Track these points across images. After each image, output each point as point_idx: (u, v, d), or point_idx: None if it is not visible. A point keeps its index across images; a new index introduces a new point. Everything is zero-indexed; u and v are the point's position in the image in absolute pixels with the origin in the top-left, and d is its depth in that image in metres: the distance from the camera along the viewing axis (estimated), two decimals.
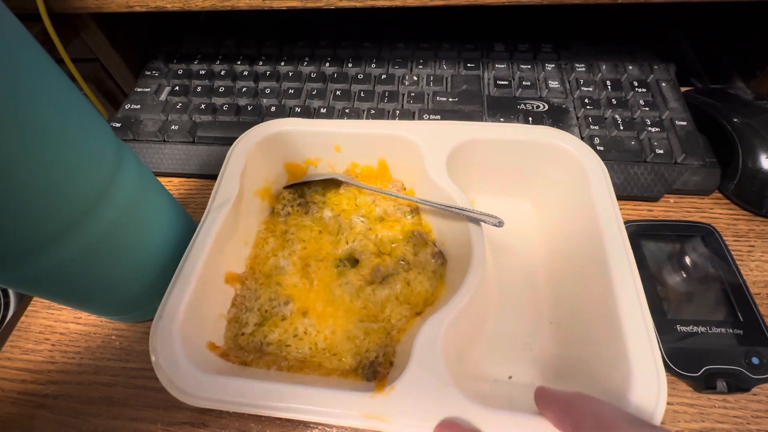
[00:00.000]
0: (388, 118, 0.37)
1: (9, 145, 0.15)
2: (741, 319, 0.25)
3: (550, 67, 0.39)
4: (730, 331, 0.25)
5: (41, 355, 0.28)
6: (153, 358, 0.21)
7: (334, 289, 0.27)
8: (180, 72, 0.42)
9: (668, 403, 0.24)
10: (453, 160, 0.28)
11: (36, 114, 0.16)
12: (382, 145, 0.30)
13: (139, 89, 0.41)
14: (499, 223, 0.24)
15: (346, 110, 0.37)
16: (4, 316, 0.35)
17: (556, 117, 0.35)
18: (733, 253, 0.28)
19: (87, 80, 0.43)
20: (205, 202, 0.27)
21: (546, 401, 0.19)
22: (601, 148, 0.33)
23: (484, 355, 0.26)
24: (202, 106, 0.38)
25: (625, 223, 0.29)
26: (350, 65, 0.41)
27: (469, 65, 0.40)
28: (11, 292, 0.35)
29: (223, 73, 0.41)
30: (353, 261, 0.29)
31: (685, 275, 0.28)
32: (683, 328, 0.25)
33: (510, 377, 0.25)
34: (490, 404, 0.19)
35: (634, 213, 0.32)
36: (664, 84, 0.36)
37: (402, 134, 0.29)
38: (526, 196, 0.32)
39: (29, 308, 0.30)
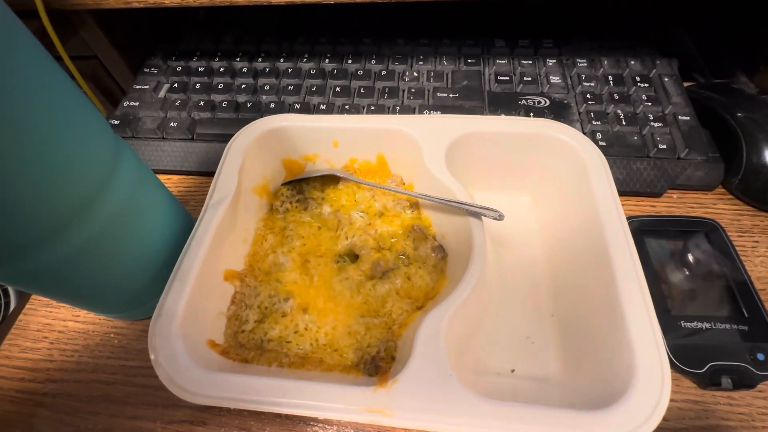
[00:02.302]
0: (388, 114, 0.37)
1: (6, 141, 0.15)
2: (746, 315, 0.25)
3: (551, 62, 0.39)
4: (735, 327, 0.25)
5: (40, 353, 0.28)
6: (152, 357, 0.21)
7: (335, 285, 0.27)
8: (179, 69, 0.41)
9: (672, 400, 0.24)
10: (452, 153, 0.28)
11: (34, 110, 0.16)
12: (381, 140, 0.30)
13: (137, 86, 0.41)
14: (500, 217, 0.24)
15: (346, 106, 0.37)
16: (5, 315, 0.35)
17: (557, 112, 0.35)
18: (737, 248, 0.28)
19: (85, 78, 0.43)
20: (204, 199, 0.27)
21: None
22: (604, 144, 0.32)
23: (485, 348, 0.26)
24: (201, 103, 0.38)
25: (628, 219, 0.29)
26: (350, 61, 0.40)
27: (469, 61, 0.40)
28: (11, 291, 0.35)
29: (222, 69, 0.41)
30: (353, 256, 0.29)
31: (688, 271, 0.27)
32: (687, 325, 0.25)
33: (513, 370, 0.25)
34: (493, 397, 0.19)
35: (636, 209, 0.32)
36: (666, 79, 0.36)
37: (400, 128, 0.29)
38: (526, 190, 0.32)
39: (27, 306, 0.30)
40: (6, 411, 0.26)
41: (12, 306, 0.35)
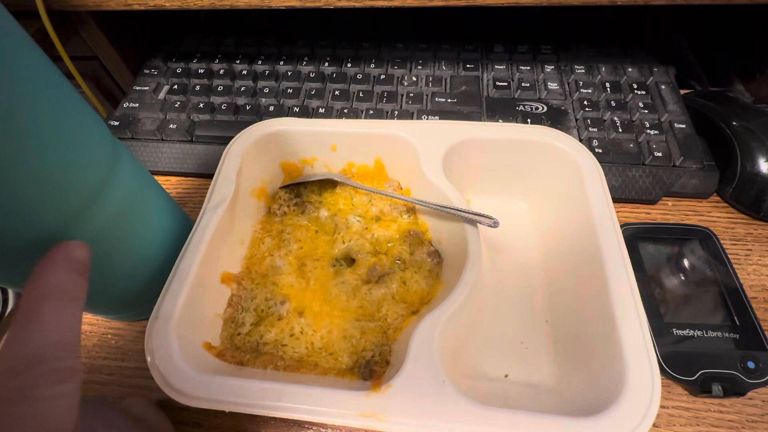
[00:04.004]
0: (386, 119, 0.37)
1: (1, 143, 0.15)
2: (737, 323, 0.25)
3: (549, 68, 0.39)
4: (727, 335, 0.25)
5: None
6: (148, 359, 0.21)
7: (331, 289, 0.27)
8: (179, 71, 0.42)
9: (663, 407, 0.24)
10: (449, 159, 0.28)
11: (29, 112, 0.16)
12: (378, 145, 0.30)
13: (137, 88, 0.41)
14: (495, 224, 0.24)
15: (345, 110, 0.37)
16: (3, 313, 0.35)
17: (554, 119, 0.35)
18: (730, 256, 0.28)
19: (86, 78, 0.43)
20: (203, 201, 0.27)
21: None
22: (600, 151, 0.33)
23: (480, 353, 0.26)
24: (201, 105, 0.38)
25: (623, 225, 0.29)
26: (349, 65, 0.41)
27: (468, 66, 0.40)
28: (11, 290, 0.35)
29: (221, 72, 0.41)
30: (349, 260, 0.29)
31: (682, 278, 0.27)
32: (679, 332, 0.25)
33: (506, 375, 0.25)
34: (486, 402, 0.19)
35: (631, 216, 0.32)
36: (663, 86, 0.36)
37: (398, 133, 0.29)
38: (522, 196, 0.32)
39: None
40: None
41: (11, 304, 0.35)
